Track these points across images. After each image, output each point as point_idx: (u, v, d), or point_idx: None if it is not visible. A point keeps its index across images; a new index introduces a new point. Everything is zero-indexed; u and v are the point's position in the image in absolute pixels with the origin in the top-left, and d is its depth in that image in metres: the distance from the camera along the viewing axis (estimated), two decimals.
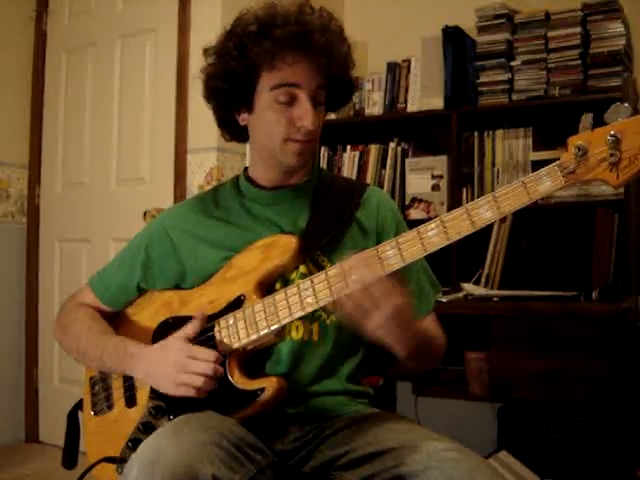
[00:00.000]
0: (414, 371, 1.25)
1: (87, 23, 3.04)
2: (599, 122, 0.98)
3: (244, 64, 1.17)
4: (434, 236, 1.04)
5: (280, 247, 1.19)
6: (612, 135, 0.95)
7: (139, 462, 0.95)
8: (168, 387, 1.15)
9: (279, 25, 1.15)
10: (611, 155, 0.95)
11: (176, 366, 1.13)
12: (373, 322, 1.03)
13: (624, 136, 0.94)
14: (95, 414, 1.31)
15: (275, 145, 1.21)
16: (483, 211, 1.02)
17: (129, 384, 1.26)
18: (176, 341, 1.17)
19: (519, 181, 1.01)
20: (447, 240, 1.04)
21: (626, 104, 0.96)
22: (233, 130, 1.31)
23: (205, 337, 1.19)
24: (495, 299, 2.26)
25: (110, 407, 1.29)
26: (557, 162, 1.00)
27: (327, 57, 1.17)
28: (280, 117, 1.18)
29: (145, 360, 1.19)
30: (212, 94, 1.25)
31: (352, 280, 1.03)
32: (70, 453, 1.36)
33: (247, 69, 1.18)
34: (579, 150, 0.97)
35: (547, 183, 0.99)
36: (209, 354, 1.13)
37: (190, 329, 1.18)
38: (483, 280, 2.46)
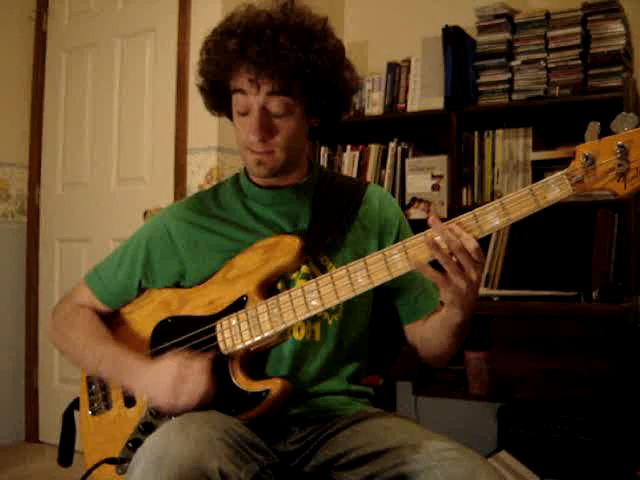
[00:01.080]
0: (443, 351, 1.23)
1: (87, 23, 3.04)
2: (598, 120, 0.98)
3: (210, 78, 1.22)
4: (442, 241, 1.03)
5: (283, 248, 1.19)
6: (620, 145, 0.95)
7: (146, 456, 0.95)
8: (165, 398, 1.12)
9: (233, 35, 1.16)
10: (619, 165, 0.95)
11: (177, 377, 1.12)
12: (453, 285, 1.04)
13: (632, 146, 0.95)
14: (92, 414, 1.30)
15: (241, 152, 1.24)
16: (491, 217, 1.02)
17: None
18: (174, 355, 1.16)
19: (527, 188, 1.01)
20: None
21: (632, 114, 0.96)
22: None
23: (207, 338, 1.18)
24: (495, 299, 2.26)
25: (108, 407, 1.28)
26: (565, 170, 1.00)
27: (275, 64, 1.13)
28: (239, 126, 1.21)
29: (142, 376, 1.17)
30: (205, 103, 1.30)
31: (452, 236, 1.02)
32: (66, 451, 1.36)
33: (214, 82, 1.22)
34: (587, 159, 0.97)
35: (555, 191, 0.99)
36: (203, 362, 1.12)
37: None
38: (483, 280, 2.46)
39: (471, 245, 1.02)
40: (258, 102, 1.16)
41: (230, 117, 1.28)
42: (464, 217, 1.04)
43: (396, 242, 1.11)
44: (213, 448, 0.95)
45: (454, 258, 1.03)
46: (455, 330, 1.16)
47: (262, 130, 1.17)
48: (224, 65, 1.17)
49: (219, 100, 1.26)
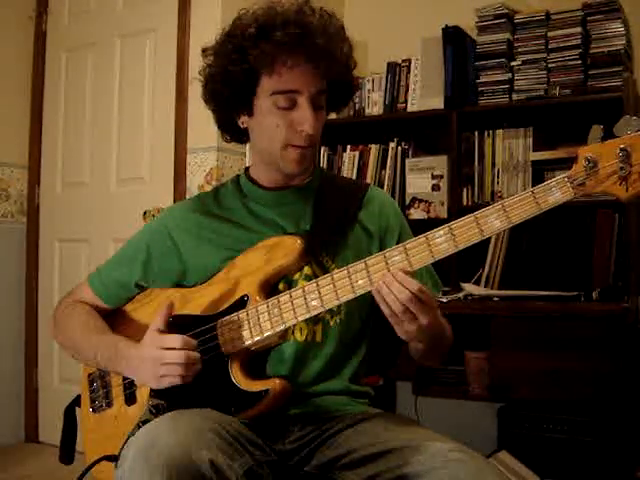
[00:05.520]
0: (427, 360, 1.26)
1: (87, 23, 3.03)
2: (597, 120, 0.98)
3: (243, 68, 1.16)
4: (442, 243, 1.04)
5: (285, 248, 1.18)
6: (622, 149, 0.95)
7: (136, 446, 0.95)
8: (152, 382, 1.14)
9: (278, 27, 1.13)
10: (621, 169, 0.96)
11: (152, 360, 1.12)
12: (405, 328, 1.05)
13: (634, 150, 0.95)
14: (93, 411, 1.31)
15: (275, 150, 1.20)
16: (492, 220, 1.02)
17: (129, 382, 1.25)
18: (148, 335, 1.15)
19: (528, 191, 1.01)
20: (455, 248, 1.04)
21: (635, 117, 0.97)
22: (233, 132, 1.31)
23: (208, 337, 1.18)
24: (495, 299, 2.26)
25: (109, 404, 1.29)
26: (567, 173, 1.00)
27: (327, 60, 1.15)
28: (280, 121, 1.17)
29: (130, 360, 1.18)
30: (211, 97, 1.25)
31: (396, 289, 1.03)
32: (67, 448, 1.36)
33: (247, 73, 1.17)
34: (589, 162, 0.98)
35: (557, 194, 1.00)
36: (176, 340, 1.10)
37: (159, 320, 1.15)
38: (483, 280, 2.46)
39: (415, 288, 1.02)
40: (310, 96, 1.16)
41: (231, 116, 1.26)
42: (462, 221, 1.03)
43: None
44: (204, 439, 0.95)
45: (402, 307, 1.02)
46: (424, 349, 1.17)
47: (316, 122, 1.17)
48: (271, 58, 1.13)
49: (244, 102, 1.21)
